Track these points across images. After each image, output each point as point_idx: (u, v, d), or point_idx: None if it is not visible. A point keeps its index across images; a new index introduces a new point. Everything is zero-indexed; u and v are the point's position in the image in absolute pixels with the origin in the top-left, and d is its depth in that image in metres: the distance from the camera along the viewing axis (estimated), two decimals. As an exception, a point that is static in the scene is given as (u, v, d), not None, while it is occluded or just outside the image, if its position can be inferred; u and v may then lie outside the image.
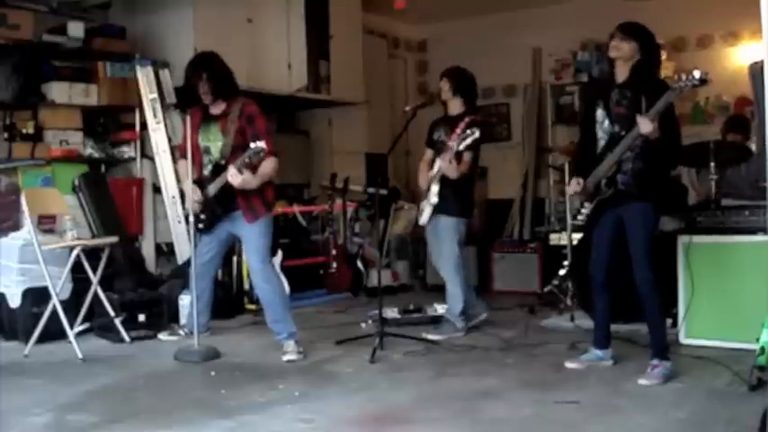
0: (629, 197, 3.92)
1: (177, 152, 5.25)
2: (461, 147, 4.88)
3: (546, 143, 8.26)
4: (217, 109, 4.65)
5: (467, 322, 5.19)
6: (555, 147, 8.00)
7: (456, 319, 5.14)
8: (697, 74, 3.61)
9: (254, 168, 4.42)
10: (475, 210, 5.61)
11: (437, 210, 5.09)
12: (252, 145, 4.26)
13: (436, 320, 5.40)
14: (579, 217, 4.12)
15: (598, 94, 4.07)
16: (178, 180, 5.65)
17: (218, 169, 4.55)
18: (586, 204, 4.06)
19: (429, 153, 5.32)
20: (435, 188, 5.05)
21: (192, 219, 4.59)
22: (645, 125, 3.70)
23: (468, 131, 4.87)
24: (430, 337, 5.01)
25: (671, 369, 3.86)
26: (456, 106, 5.23)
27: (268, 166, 4.47)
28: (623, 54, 3.92)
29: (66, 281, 4.84)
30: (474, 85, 5.34)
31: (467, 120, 5.06)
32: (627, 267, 3.93)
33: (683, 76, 3.65)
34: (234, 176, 4.36)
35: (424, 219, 5.20)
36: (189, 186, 4.61)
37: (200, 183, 4.62)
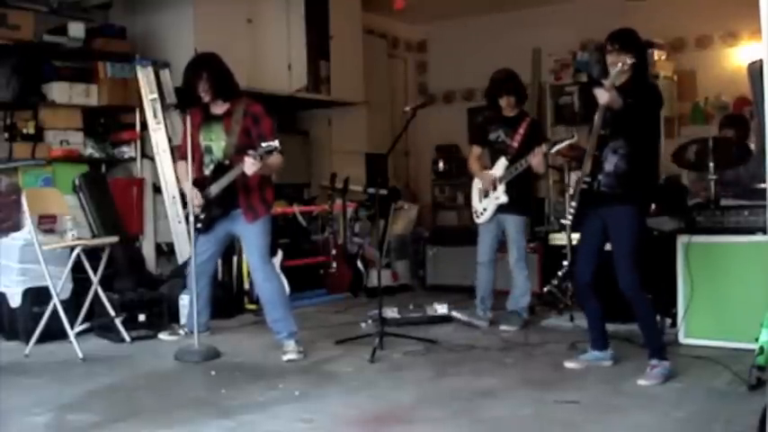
0: (612, 199, 3.89)
1: (177, 152, 5.24)
2: (554, 149, 4.86)
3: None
4: (219, 109, 4.65)
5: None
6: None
7: (523, 310, 5.36)
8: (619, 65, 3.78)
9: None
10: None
11: (504, 209, 5.27)
12: (263, 144, 4.26)
13: (436, 321, 5.46)
14: (568, 216, 4.11)
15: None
16: (178, 180, 5.65)
17: (221, 169, 4.56)
18: (573, 203, 4.04)
19: (477, 150, 5.49)
20: (502, 188, 5.24)
21: (192, 219, 4.60)
22: (602, 95, 3.70)
23: (565, 134, 5.19)
24: (502, 327, 5.25)
25: (670, 369, 3.86)
26: (513, 109, 5.41)
27: (276, 159, 4.45)
28: (627, 67, 3.84)
29: (67, 281, 4.85)
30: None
31: (528, 120, 5.36)
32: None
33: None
34: (252, 165, 4.29)
35: (486, 217, 5.34)
36: (189, 188, 4.61)
37: (200, 183, 4.62)
